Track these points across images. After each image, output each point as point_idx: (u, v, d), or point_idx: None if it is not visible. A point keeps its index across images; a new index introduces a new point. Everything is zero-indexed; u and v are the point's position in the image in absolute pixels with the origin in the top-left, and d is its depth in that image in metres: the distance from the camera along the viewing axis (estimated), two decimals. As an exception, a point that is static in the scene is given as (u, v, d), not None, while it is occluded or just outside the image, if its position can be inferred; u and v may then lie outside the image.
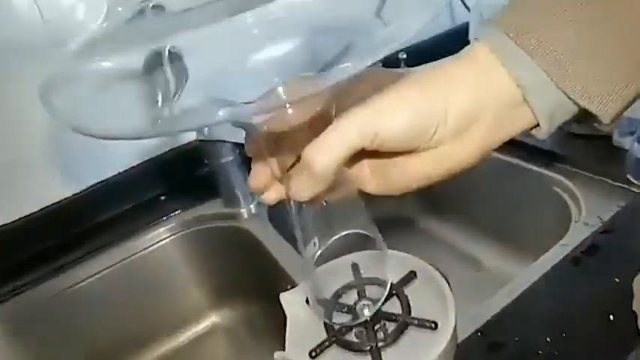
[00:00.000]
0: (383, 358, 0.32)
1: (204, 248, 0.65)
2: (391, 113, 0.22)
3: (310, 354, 0.33)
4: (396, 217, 0.77)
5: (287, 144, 0.25)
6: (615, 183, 0.48)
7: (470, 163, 0.24)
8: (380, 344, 0.33)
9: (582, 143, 0.55)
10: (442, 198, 0.72)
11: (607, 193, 0.48)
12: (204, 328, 0.68)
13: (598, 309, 0.35)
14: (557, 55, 0.21)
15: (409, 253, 0.39)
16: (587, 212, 0.46)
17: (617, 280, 0.37)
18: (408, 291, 0.36)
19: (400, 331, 0.34)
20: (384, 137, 0.22)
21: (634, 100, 0.23)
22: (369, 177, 0.27)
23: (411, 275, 0.37)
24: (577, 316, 0.35)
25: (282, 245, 0.56)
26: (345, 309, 0.35)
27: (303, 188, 0.24)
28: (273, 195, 0.27)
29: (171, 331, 0.67)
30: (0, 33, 0.55)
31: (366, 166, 0.27)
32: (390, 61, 0.77)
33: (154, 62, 0.21)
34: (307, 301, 0.37)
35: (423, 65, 0.25)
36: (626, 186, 0.47)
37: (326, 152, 0.22)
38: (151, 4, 0.22)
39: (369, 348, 0.33)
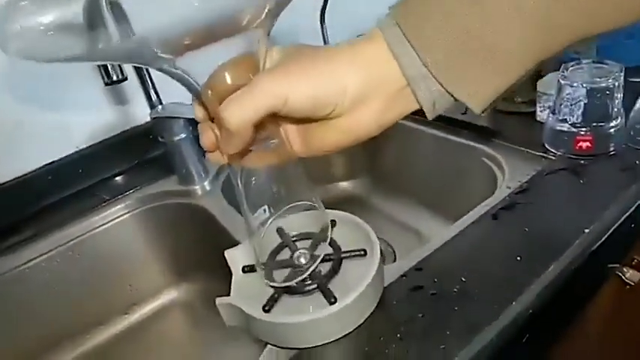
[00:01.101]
0: (330, 289, 0.35)
1: (161, 225, 0.67)
2: (298, 83, 0.25)
3: (264, 308, 0.35)
4: (350, 196, 0.82)
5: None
6: (535, 152, 0.53)
7: (370, 133, 0.28)
8: (324, 280, 0.36)
9: (510, 119, 0.61)
10: (389, 176, 0.77)
11: (528, 161, 0.53)
12: (163, 303, 0.70)
13: (509, 253, 0.39)
14: (436, 51, 0.24)
15: None
16: (510, 178, 0.51)
17: (526, 229, 0.41)
18: (334, 236, 0.39)
19: (338, 265, 0.37)
20: (291, 105, 0.25)
21: (506, 92, 0.26)
22: (295, 140, 0.31)
23: (332, 222, 0.40)
24: (490, 259, 0.39)
25: (236, 220, 0.58)
26: (285, 264, 0.38)
27: (224, 143, 0.27)
28: (218, 156, 0.30)
29: (129, 308, 0.68)
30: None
31: (289, 131, 0.31)
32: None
33: (93, 13, 0.24)
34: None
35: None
36: (543, 154, 0.52)
37: (239, 111, 0.25)
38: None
39: (315, 286, 0.36)
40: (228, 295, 0.38)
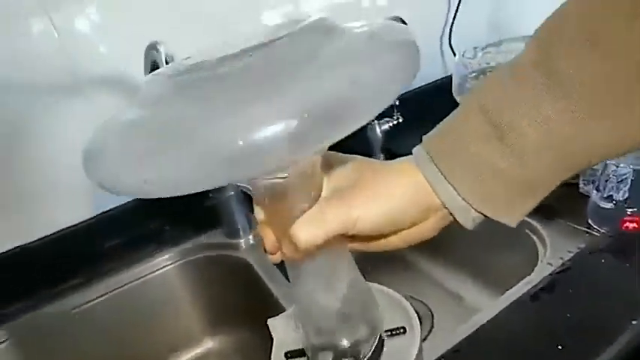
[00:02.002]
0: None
1: (204, 276, 0.70)
2: (365, 210, 0.28)
3: None
4: (393, 258, 0.82)
5: (284, 210, 0.30)
6: (578, 227, 0.53)
7: (428, 237, 0.32)
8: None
9: (553, 191, 0.61)
10: (435, 239, 0.77)
11: (571, 236, 0.52)
12: (200, 353, 0.72)
13: (549, 341, 0.39)
14: (471, 189, 0.27)
15: (403, 290, 0.43)
16: (552, 253, 0.51)
17: (568, 315, 0.41)
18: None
19: (381, 345, 0.38)
20: (359, 229, 0.28)
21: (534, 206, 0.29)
22: (354, 245, 0.34)
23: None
24: (529, 344, 0.39)
25: (276, 275, 0.61)
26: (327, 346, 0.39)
27: (290, 252, 0.31)
28: (278, 257, 0.33)
29: (168, 355, 0.71)
30: (28, 75, 0.62)
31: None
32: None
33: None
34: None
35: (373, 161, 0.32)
36: (587, 230, 0.52)
37: (310, 234, 0.28)
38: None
39: None
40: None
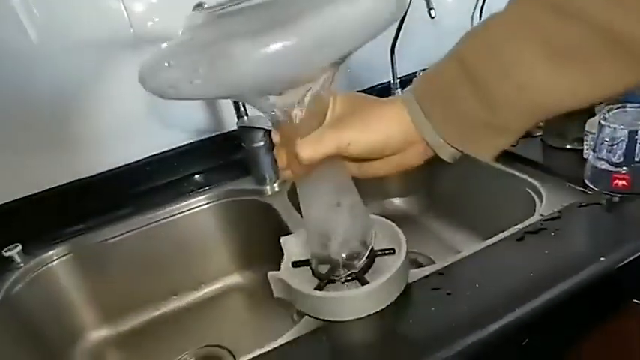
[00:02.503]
0: (366, 278, 0.43)
1: (234, 217, 0.78)
2: (357, 136, 0.35)
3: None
4: (402, 212, 0.88)
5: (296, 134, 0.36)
6: (575, 187, 0.57)
7: (417, 164, 0.37)
8: (359, 272, 0.43)
9: (560, 155, 0.65)
10: (440, 198, 0.83)
11: (568, 194, 0.56)
12: (227, 285, 0.81)
13: (523, 270, 0.44)
14: (449, 129, 0.33)
15: (409, 246, 0.47)
16: (546, 207, 0.55)
17: (546, 251, 0.46)
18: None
19: (371, 260, 0.44)
20: (352, 151, 0.35)
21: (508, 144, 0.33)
22: (351, 166, 0.40)
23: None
24: (505, 273, 0.44)
25: (296, 219, 0.68)
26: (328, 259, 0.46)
27: (295, 168, 0.38)
28: (288, 173, 0.40)
29: (199, 285, 0.80)
30: (95, 35, 0.71)
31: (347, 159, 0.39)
32: (410, 79, 0.88)
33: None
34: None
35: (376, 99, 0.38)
36: (583, 189, 0.56)
37: (310, 151, 0.34)
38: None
39: (354, 276, 0.44)
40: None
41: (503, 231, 0.52)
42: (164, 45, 0.34)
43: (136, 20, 0.73)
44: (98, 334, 0.75)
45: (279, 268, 0.48)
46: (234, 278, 0.81)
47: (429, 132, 0.33)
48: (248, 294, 0.79)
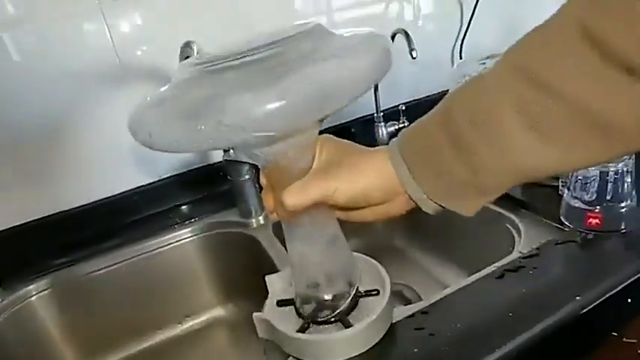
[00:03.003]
0: (349, 320, 0.43)
1: (218, 250, 0.78)
2: (343, 186, 0.35)
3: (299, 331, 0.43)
4: (388, 247, 0.89)
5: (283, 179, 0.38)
6: (552, 223, 0.59)
7: (401, 213, 0.38)
8: (344, 314, 0.44)
9: (538, 191, 0.67)
10: (425, 232, 0.84)
11: (545, 231, 0.58)
12: (210, 319, 0.80)
13: (503, 309, 0.45)
14: (433, 187, 0.34)
15: (393, 277, 0.48)
16: (525, 243, 0.57)
17: (524, 290, 0.47)
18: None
19: (355, 302, 0.45)
20: (336, 199, 0.36)
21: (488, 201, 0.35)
22: (338, 212, 0.41)
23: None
24: (485, 312, 0.45)
25: (281, 252, 0.68)
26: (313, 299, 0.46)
27: (282, 216, 0.39)
28: (275, 215, 0.41)
29: (183, 319, 0.79)
30: (81, 63, 0.72)
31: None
32: (392, 112, 0.90)
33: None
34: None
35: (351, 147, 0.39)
36: (559, 225, 0.58)
37: (295, 199, 0.35)
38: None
39: (337, 318, 0.44)
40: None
41: (485, 265, 0.53)
42: (151, 95, 0.35)
43: (122, 50, 0.73)
44: (77, 370, 0.73)
45: (263, 304, 0.48)
46: (218, 311, 0.81)
47: (412, 187, 0.35)
48: (232, 328, 0.79)
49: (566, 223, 0.57)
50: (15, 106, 0.70)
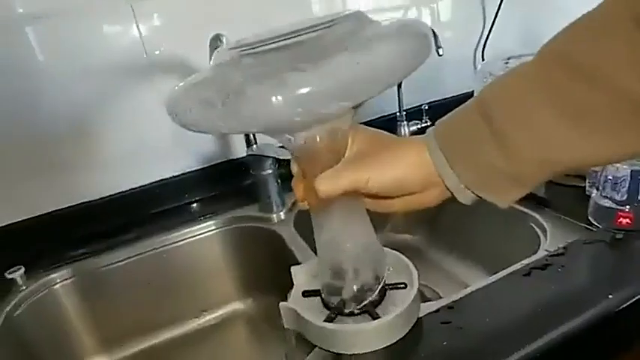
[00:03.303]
0: (376, 312, 0.43)
1: (239, 244, 0.78)
2: (376, 174, 0.35)
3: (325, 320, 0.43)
4: (407, 246, 0.89)
5: (314, 167, 0.37)
6: (580, 223, 0.58)
7: (431, 205, 0.38)
8: (370, 306, 0.43)
9: (563, 191, 0.66)
10: (446, 232, 0.84)
11: (571, 230, 0.57)
12: (229, 313, 0.80)
13: (533, 305, 0.45)
14: (471, 177, 0.34)
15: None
16: (551, 243, 0.56)
17: (553, 287, 0.47)
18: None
19: (382, 295, 0.45)
20: (369, 188, 0.35)
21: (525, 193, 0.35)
22: (367, 200, 0.40)
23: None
24: (514, 308, 0.45)
25: (302, 247, 0.68)
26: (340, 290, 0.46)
27: (311, 204, 0.39)
28: (305, 203, 0.40)
29: (200, 313, 0.80)
30: (107, 57, 0.73)
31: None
32: (415, 111, 0.90)
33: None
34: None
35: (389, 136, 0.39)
36: (587, 226, 0.57)
37: (328, 186, 0.35)
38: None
39: (364, 310, 0.43)
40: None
41: (508, 265, 0.52)
42: (190, 78, 0.35)
43: (149, 45, 0.74)
44: (96, 361, 0.74)
45: (281, 298, 0.47)
46: (237, 305, 0.81)
47: (450, 176, 0.34)
48: (251, 323, 0.79)
49: (595, 222, 0.57)
50: (42, 99, 0.71)
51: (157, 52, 0.75)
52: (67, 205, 0.76)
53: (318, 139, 0.37)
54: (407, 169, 0.35)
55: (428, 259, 0.85)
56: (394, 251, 0.50)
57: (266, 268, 0.76)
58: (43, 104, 0.71)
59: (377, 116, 0.93)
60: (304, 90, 0.29)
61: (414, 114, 0.89)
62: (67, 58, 0.71)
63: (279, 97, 0.29)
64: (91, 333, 0.73)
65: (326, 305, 0.46)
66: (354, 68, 0.31)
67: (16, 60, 0.68)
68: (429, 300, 0.48)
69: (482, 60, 1.02)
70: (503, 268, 0.52)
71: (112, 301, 0.74)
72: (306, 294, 0.48)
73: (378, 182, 0.35)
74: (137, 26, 0.73)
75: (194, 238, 0.77)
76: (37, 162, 0.74)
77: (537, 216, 0.63)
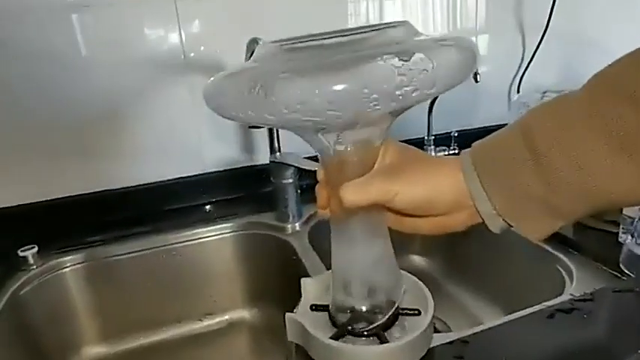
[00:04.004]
0: (385, 336, 0.41)
1: (249, 251, 0.77)
2: (405, 189, 0.34)
3: (332, 338, 0.41)
4: (423, 276, 0.85)
5: (342, 176, 0.36)
6: (610, 270, 0.55)
7: (457, 229, 0.36)
8: (380, 329, 0.41)
9: (593, 235, 0.63)
10: (463, 263, 0.81)
11: (600, 276, 0.54)
12: (233, 320, 0.78)
13: (555, 351, 0.42)
14: (504, 203, 0.32)
15: None
16: (577, 287, 0.53)
17: (577, 334, 0.44)
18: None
19: (394, 318, 0.42)
20: (397, 203, 0.34)
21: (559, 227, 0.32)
22: (390, 217, 0.39)
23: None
24: (534, 351, 0.42)
25: (314, 261, 0.66)
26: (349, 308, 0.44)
27: (334, 213, 0.38)
28: (326, 212, 0.39)
29: (204, 316, 0.78)
30: (148, 53, 0.74)
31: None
32: (444, 137, 0.88)
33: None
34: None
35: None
36: (617, 274, 0.54)
37: (355, 195, 0.34)
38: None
39: (374, 332, 0.41)
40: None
41: (525, 306, 0.49)
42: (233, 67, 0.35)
43: (189, 46, 0.75)
44: (94, 350, 0.73)
45: (287, 311, 0.46)
46: (241, 313, 0.79)
47: (483, 200, 0.32)
48: (253, 332, 0.77)
49: (627, 271, 0.53)
50: (80, 86, 0.72)
51: (192, 55, 0.76)
52: (90, 191, 0.77)
53: (350, 147, 0.36)
54: (438, 187, 0.34)
55: (441, 288, 0.81)
56: (411, 275, 0.48)
57: (274, 277, 0.75)
58: (80, 91, 0.72)
59: (404, 138, 0.91)
60: (339, 87, 0.28)
61: (442, 140, 0.87)
62: (107, 49, 0.72)
63: (315, 91, 0.28)
64: (92, 321, 0.72)
65: (334, 322, 0.44)
66: (395, 72, 0.30)
67: (59, 46, 0.70)
68: (438, 332, 0.46)
69: (518, 92, 1.00)
70: (521, 309, 0.49)
71: (118, 293, 0.73)
72: (315, 308, 0.46)
73: (407, 197, 0.34)
74: (179, 24, 0.74)
75: (206, 239, 0.76)
76: (69, 146, 0.75)
77: (564, 258, 0.60)
